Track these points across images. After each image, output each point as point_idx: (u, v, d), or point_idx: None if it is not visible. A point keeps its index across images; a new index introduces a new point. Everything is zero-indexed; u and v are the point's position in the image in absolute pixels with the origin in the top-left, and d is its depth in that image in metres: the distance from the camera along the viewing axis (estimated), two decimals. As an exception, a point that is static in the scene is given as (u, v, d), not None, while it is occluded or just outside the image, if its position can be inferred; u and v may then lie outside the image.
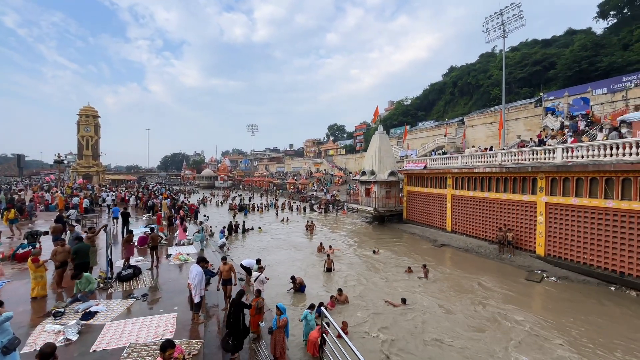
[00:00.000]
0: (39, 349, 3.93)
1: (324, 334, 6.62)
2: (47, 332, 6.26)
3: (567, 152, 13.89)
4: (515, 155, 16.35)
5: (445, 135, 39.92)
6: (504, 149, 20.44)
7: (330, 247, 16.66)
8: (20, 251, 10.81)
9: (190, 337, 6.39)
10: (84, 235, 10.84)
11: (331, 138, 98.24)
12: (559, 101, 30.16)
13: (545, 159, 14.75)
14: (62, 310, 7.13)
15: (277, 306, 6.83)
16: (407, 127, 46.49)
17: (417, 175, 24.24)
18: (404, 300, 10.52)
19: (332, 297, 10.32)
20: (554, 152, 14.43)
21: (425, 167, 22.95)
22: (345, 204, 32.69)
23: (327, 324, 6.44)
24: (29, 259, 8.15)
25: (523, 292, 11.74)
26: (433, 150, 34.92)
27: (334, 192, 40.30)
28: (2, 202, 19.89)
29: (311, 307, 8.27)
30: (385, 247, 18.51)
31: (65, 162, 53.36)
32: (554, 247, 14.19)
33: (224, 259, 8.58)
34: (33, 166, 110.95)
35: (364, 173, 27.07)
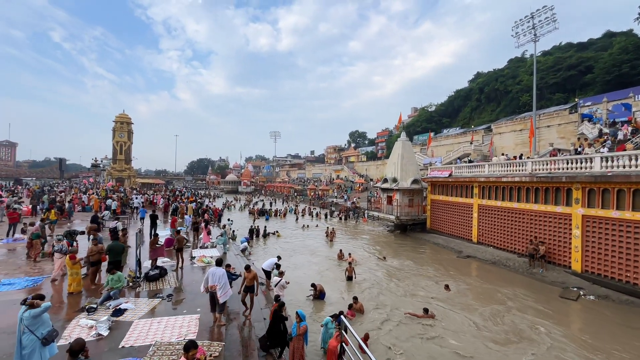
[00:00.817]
0: (71, 342, 4.15)
1: (343, 343, 6.52)
2: (81, 327, 6.62)
3: (607, 161, 13.00)
4: (547, 164, 15.51)
5: (471, 143, 38.64)
6: (534, 157, 19.45)
7: (350, 254, 16.49)
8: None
9: (212, 339, 6.51)
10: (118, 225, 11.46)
11: (352, 145, 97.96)
12: (597, 107, 28.43)
13: (581, 168, 13.88)
14: (95, 306, 7.52)
15: (297, 313, 6.81)
16: (431, 134, 45.43)
17: (441, 183, 23.58)
18: (426, 311, 10.18)
19: (350, 305, 10.16)
20: (591, 161, 13.55)
21: (450, 175, 22.29)
22: (366, 212, 32.32)
23: (345, 330, 6.36)
24: (67, 256, 8.71)
25: (557, 310, 10.98)
26: (458, 158, 33.89)
27: (355, 199, 40.01)
28: (45, 202, 21.43)
29: (333, 316, 8.19)
30: (408, 257, 18.07)
31: (101, 165, 56.81)
32: (592, 263, 13.22)
33: (247, 267, 8.33)
34: (73, 169, 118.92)
35: (385, 180, 26.70)
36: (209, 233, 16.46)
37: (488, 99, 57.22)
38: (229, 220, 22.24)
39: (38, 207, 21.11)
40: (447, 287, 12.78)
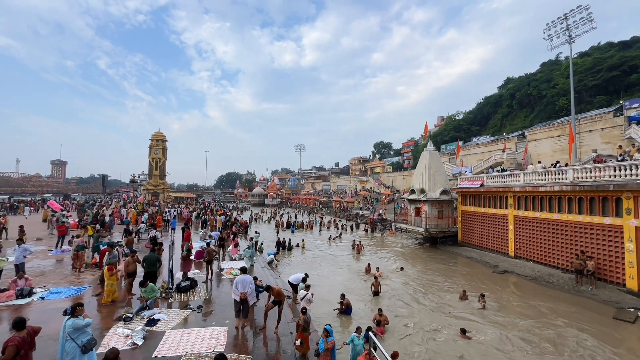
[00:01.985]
0: (106, 351, 4.34)
1: (372, 361, 6.27)
2: (118, 335, 6.93)
3: (661, 167, 11.81)
4: (591, 172, 14.36)
5: (503, 151, 36.82)
6: (576, 164, 18.12)
7: (377, 269, 16.05)
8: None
9: (240, 352, 6.54)
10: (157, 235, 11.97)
11: (377, 156, 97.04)
12: (646, 109, 26.15)
13: (632, 175, 12.70)
14: (131, 315, 7.86)
15: (325, 328, 6.69)
16: (460, 143, 43.91)
17: (472, 193, 22.55)
18: (463, 331, 9.58)
19: (378, 322, 9.78)
20: (643, 168, 12.37)
21: (482, 185, 21.29)
22: (393, 224, 31.52)
23: (374, 347, 6.13)
24: (105, 267, 9.25)
25: (612, 333, 9.88)
26: (490, 167, 32.38)
27: (381, 210, 39.26)
28: (90, 216, 23.10)
29: (357, 330, 7.95)
30: (439, 271, 17.27)
31: (138, 181, 60.51)
32: (651, 281, 11.85)
33: (268, 288, 8.26)
34: (114, 185, 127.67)
35: (413, 191, 26.01)
36: (236, 245, 16.82)
37: (520, 104, 54.67)
38: (256, 232, 22.58)
39: (83, 220, 22.74)
40: (481, 297, 11.97)
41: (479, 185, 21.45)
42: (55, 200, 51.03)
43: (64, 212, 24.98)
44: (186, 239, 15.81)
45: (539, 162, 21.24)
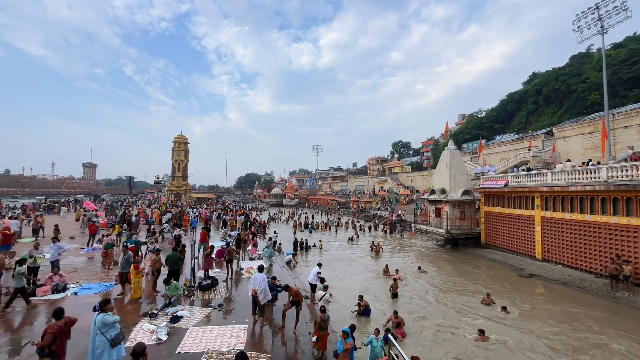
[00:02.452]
0: (134, 345, 4.54)
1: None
2: (144, 331, 7.21)
3: None
4: (628, 170, 13.47)
5: (529, 149, 35.24)
6: (610, 162, 17.05)
7: (397, 271, 15.81)
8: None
9: (259, 350, 6.63)
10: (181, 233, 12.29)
11: (396, 155, 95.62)
12: (690, 102, 24.24)
13: (673, 174, 11.80)
14: (156, 312, 8.16)
15: (343, 330, 6.67)
16: (483, 142, 42.41)
17: (496, 194, 21.74)
18: (481, 332, 9.27)
19: (398, 324, 9.61)
20: (686, 166, 11.46)
21: (506, 184, 20.48)
22: (413, 225, 30.94)
23: (397, 355, 6.04)
24: (132, 266, 9.65)
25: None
26: (515, 166, 31.06)
27: (400, 211, 38.63)
28: (118, 216, 24.22)
29: (376, 332, 7.86)
30: (460, 274, 16.78)
31: (162, 182, 62.79)
32: (697, 288, 10.95)
33: (286, 287, 8.37)
34: (139, 186, 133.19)
35: (433, 191, 25.42)
36: (255, 245, 17.08)
37: (547, 100, 52.12)
38: (274, 232, 22.84)
39: (112, 219, 23.87)
40: (503, 309, 11.51)
41: (503, 185, 20.65)
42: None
43: (95, 212, 26.34)
44: (202, 239, 15.86)
45: (569, 160, 20.17)
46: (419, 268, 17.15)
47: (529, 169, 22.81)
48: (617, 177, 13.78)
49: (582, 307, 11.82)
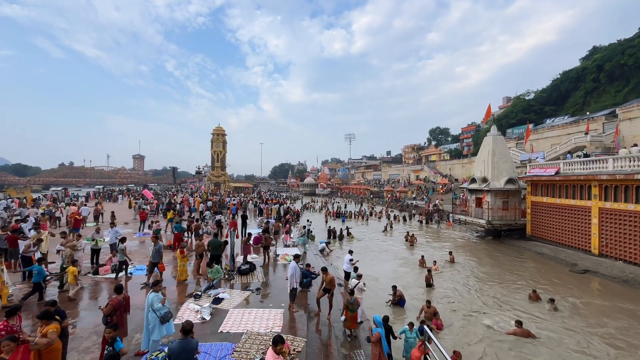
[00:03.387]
0: (183, 322, 4.93)
1: (427, 355, 6.10)
2: (190, 310, 7.80)
3: None
4: None
5: (586, 133, 31.68)
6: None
7: (434, 262, 15.37)
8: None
9: (295, 334, 6.88)
10: (222, 218, 13.10)
11: (433, 142, 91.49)
12: None
13: None
14: (200, 293, 8.77)
15: (374, 318, 6.69)
16: (530, 126, 38.95)
17: (545, 182, 20.03)
18: (519, 323, 8.80)
19: (435, 313, 9.39)
20: None
21: (557, 172, 18.77)
22: (451, 215, 29.69)
23: (429, 340, 5.95)
24: (178, 250, 10.41)
25: None
26: (569, 153, 28.25)
27: (437, 201, 37.22)
28: (164, 204, 26.15)
29: (410, 325, 7.75)
30: (503, 267, 15.90)
31: (202, 172, 66.41)
32: None
33: (324, 269, 8.39)
34: (182, 176, 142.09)
35: (473, 180, 24.07)
36: (288, 232, 17.52)
37: (610, 77, 46.23)
38: (308, 221, 23.23)
39: (159, 207, 25.85)
40: (551, 302, 10.72)
41: (553, 173, 18.95)
42: (137, 190, 58.69)
43: (144, 201, 28.66)
44: (231, 226, 15.14)
45: (635, 145, 17.87)
46: (450, 253, 16.95)
47: (585, 155, 20.64)
48: (697, 163, 11.98)
49: (646, 308, 10.66)
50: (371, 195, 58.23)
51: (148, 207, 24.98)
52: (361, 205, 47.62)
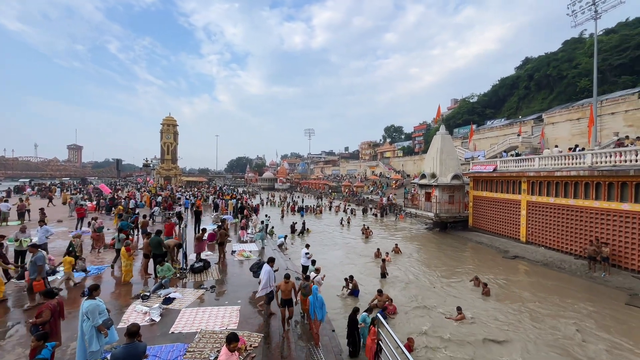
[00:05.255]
0: (128, 325, 4.57)
1: (379, 342, 6.43)
2: (137, 312, 7.27)
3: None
4: (611, 156, 13.84)
5: (518, 135, 35.69)
6: (595, 148, 17.46)
7: (387, 254, 16.18)
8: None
9: (252, 329, 6.80)
10: (182, 210, 12.35)
11: (388, 140, 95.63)
12: (675, 89, 24.71)
13: (654, 160, 12.19)
14: (148, 294, 8.22)
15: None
16: (474, 127, 42.62)
17: (485, 178, 22.16)
18: (459, 309, 9.74)
19: (390, 300, 9.96)
20: (667, 152, 11.84)
21: (495, 169, 20.86)
22: (403, 209, 31.46)
23: (376, 323, 6.32)
24: (123, 248, 9.61)
25: (622, 318, 9.80)
26: (504, 151, 31.52)
27: (391, 195, 39.12)
28: (107, 200, 23.85)
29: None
30: (448, 256, 17.32)
31: (151, 165, 61.69)
32: (668, 268, 11.59)
33: (287, 276, 7.33)
34: (127, 169, 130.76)
35: (423, 176, 25.73)
36: (243, 228, 17.13)
37: (538, 86, 52.35)
38: (266, 216, 22.92)
39: (100, 203, 23.51)
40: (484, 286, 12.00)
41: (491, 170, 21.03)
42: (73, 185, 52.65)
43: (81, 196, 25.85)
44: (167, 232, 13.10)
45: (556, 146, 20.60)
46: (396, 245, 17.88)
47: (517, 155, 23.21)
48: (601, 162, 14.16)
49: (560, 287, 12.42)
50: (330, 190, 59.22)
51: (88, 203, 22.61)
52: (321, 199, 48.22)
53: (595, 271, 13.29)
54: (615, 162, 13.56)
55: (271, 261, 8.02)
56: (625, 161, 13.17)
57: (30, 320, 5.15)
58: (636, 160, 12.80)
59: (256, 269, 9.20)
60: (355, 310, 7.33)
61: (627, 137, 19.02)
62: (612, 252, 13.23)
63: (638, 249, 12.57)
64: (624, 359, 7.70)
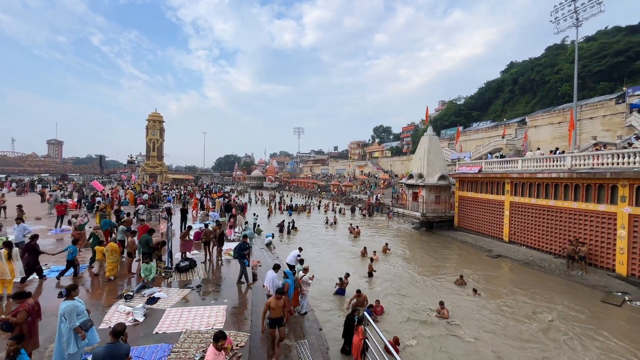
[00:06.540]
0: (112, 326, 4.44)
1: (366, 340, 6.50)
2: (119, 312, 7.09)
3: (659, 155, 11.84)
4: (589, 159, 14.40)
5: (503, 137, 36.67)
6: (574, 151, 18.11)
7: (374, 252, 16.33)
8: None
9: (238, 329, 6.74)
10: (171, 206, 12.08)
11: (376, 140, 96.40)
12: (649, 96, 25.87)
13: (629, 163, 12.75)
14: (131, 293, 8.03)
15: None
16: (460, 128, 43.59)
17: (470, 179, 22.65)
18: (441, 304, 10.03)
19: (377, 301, 10.07)
20: (641, 156, 12.40)
21: (480, 170, 21.35)
22: (391, 208, 31.81)
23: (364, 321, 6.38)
24: (114, 243, 9.39)
25: (598, 315, 10.24)
26: (489, 153, 32.32)
27: (379, 195, 39.49)
28: (89, 196, 23.13)
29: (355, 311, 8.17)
30: (433, 255, 17.63)
31: (136, 162, 60.16)
32: (640, 267, 12.17)
33: (279, 292, 6.41)
34: (111, 166, 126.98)
35: (411, 176, 26.09)
36: (231, 227, 16.94)
37: (522, 90, 53.90)
38: (254, 214, 22.76)
39: (82, 200, 22.80)
40: (461, 279, 12.80)
41: (477, 171, 21.52)
42: (53, 181, 50.85)
43: (62, 192, 24.98)
44: (142, 232, 11.07)
45: (538, 148, 21.25)
46: (386, 244, 18.07)
47: (501, 156, 23.83)
48: (580, 165, 14.71)
49: (539, 285, 12.86)
50: (319, 189, 59.27)
51: (69, 200, 21.87)
52: (310, 198, 48.21)
53: (573, 270, 13.81)
54: (593, 165, 14.11)
55: (276, 268, 7.97)
56: (602, 164, 13.73)
57: (3, 316, 4.93)
58: (612, 163, 13.35)
59: (238, 251, 9.57)
60: (354, 310, 7.43)
61: (597, 143, 19.82)
62: (589, 252, 13.78)
63: (613, 249, 13.12)
64: (601, 350, 8.04)
